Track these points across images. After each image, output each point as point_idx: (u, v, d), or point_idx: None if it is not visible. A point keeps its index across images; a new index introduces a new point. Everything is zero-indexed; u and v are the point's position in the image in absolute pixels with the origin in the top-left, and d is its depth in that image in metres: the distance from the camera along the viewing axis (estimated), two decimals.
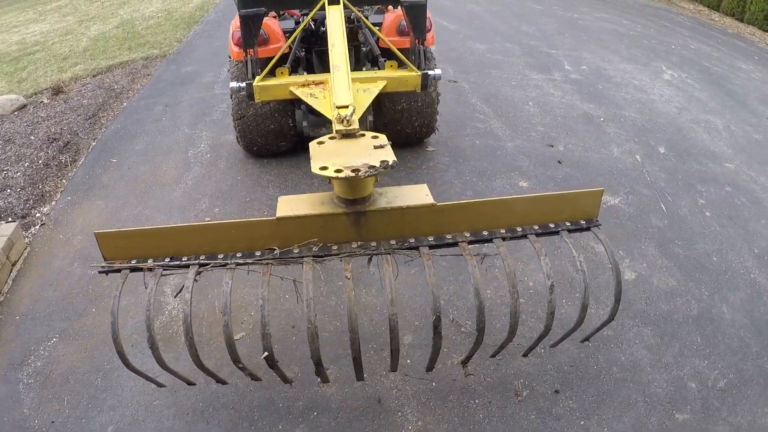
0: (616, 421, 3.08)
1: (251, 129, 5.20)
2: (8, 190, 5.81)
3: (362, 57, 4.75)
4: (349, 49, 4.86)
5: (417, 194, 2.52)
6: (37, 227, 5.26)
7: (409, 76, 3.94)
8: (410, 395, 3.19)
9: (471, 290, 3.72)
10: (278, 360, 2.47)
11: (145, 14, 13.35)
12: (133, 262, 2.48)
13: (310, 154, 2.47)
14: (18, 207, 5.50)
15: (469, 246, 2.50)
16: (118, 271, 2.49)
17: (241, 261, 2.44)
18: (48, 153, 6.46)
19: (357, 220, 2.45)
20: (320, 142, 2.57)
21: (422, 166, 5.52)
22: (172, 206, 5.22)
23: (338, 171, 2.24)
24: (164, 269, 2.46)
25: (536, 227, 2.57)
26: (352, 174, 2.21)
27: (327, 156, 2.42)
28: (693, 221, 4.77)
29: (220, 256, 2.46)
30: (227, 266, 2.42)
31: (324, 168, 2.28)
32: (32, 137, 6.96)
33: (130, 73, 9.17)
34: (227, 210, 5.06)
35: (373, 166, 2.26)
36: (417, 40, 3.99)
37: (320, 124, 5.13)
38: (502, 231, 2.54)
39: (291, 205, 2.47)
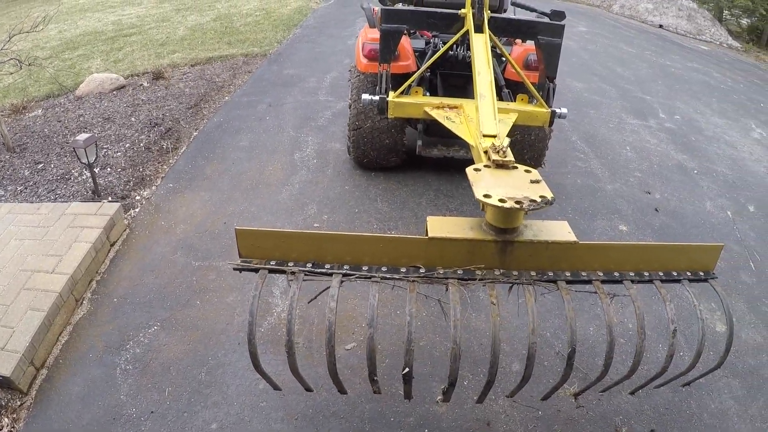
0: None
1: (366, 141, 5.30)
2: (108, 169, 5.94)
3: None
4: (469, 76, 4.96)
5: (560, 231, 2.58)
6: (137, 210, 5.31)
7: (539, 111, 3.99)
8: (518, 421, 3.25)
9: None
10: (414, 377, 2.46)
11: (242, 11, 13.57)
12: (272, 263, 2.46)
13: (470, 179, 2.54)
14: (118, 187, 5.59)
15: (602, 285, 2.56)
16: (256, 270, 2.45)
17: (387, 275, 2.43)
18: (149, 137, 6.63)
19: (503, 249, 2.49)
20: (476, 169, 2.64)
21: None
22: (279, 208, 5.27)
23: (502, 201, 2.31)
24: (306, 274, 2.43)
25: (661, 273, 2.63)
26: (516, 206, 2.28)
27: (486, 184, 2.49)
28: None
29: (364, 268, 2.46)
30: (372, 279, 2.41)
31: (488, 196, 2.35)
32: (132, 119, 7.14)
33: (230, 68, 9.26)
34: (336, 218, 5.08)
35: (535, 201, 2.34)
36: (548, 78, 4.04)
37: (433, 144, 5.22)
38: (631, 274, 2.60)
39: (442, 227, 2.51)
